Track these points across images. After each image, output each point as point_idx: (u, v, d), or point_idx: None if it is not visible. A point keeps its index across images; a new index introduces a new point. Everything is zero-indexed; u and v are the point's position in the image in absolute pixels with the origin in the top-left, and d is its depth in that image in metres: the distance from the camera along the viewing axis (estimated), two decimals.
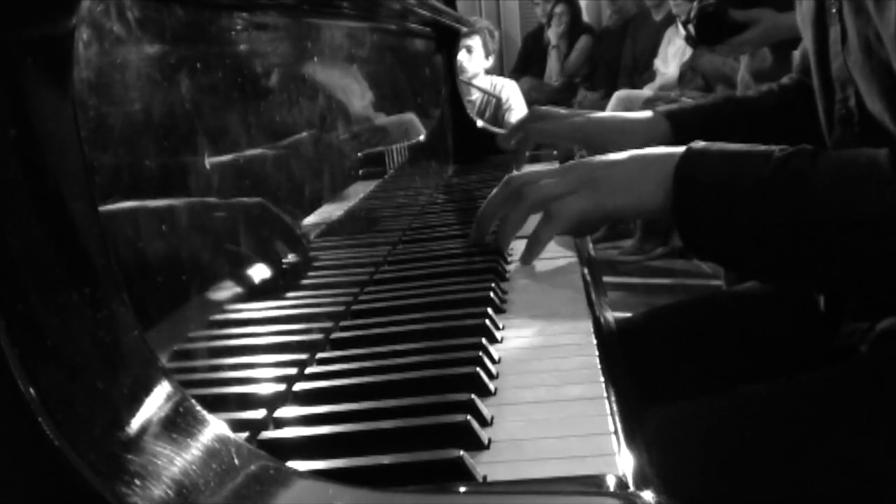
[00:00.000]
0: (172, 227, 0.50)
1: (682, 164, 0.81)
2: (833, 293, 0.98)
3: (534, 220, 0.91)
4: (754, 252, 0.79)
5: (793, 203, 0.76)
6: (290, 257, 0.69)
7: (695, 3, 2.01)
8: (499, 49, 5.45)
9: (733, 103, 1.24)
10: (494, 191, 0.93)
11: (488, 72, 4.84)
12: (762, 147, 0.81)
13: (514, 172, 0.94)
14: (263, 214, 0.65)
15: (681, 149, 0.83)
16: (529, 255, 0.91)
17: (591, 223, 0.92)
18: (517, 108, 4.71)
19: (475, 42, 4.60)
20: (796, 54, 1.22)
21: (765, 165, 0.78)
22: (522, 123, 1.26)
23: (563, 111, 1.25)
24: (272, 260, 0.66)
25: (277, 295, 0.66)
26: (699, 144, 0.83)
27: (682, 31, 1.83)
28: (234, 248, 0.59)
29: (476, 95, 4.63)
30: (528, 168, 1.09)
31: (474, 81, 4.60)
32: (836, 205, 0.75)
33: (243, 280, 0.60)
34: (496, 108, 4.68)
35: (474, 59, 4.62)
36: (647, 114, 1.21)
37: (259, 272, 0.63)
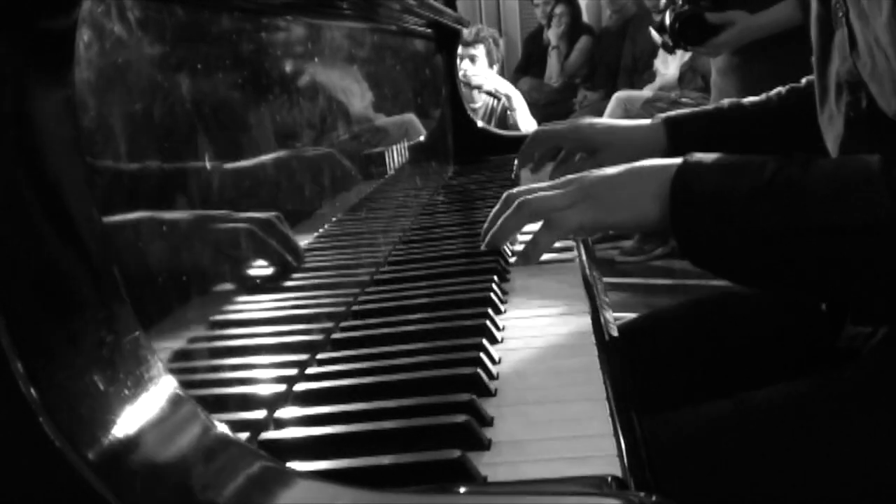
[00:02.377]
0: (173, 228, 0.50)
1: (678, 176, 0.82)
2: (831, 300, 0.98)
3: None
4: (752, 261, 0.80)
5: (788, 211, 0.76)
6: (288, 267, 0.69)
7: (668, 12, 2.14)
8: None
9: (735, 110, 1.25)
10: (495, 207, 0.95)
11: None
12: (757, 156, 0.81)
13: (513, 189, 0.95)
14: (269, 229, 0.65)
15: (676, 161, 0.84)
16: (525, 259, 0.93)
17: (589, 234, 0.98)
18: (520, 108, 4.70)
19: (479, 51, 4.58)
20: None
21: (760, 174, 0.78)
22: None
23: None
24: (273, 261, 0.66)
25: (278, 295, 0.66)
26: (694, 157, 0.84)
27: (658, 39, 1.94)
28: (235, 249, 0.59)
29: (479, 103, 4.62)
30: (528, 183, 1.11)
31: (476, 90, 4.58)
32: (830, 211, 0.75)
33: (244, 280, 0.60)
34: (502, 111, 4.66)
35: (478, 69, 4.60)
36: (648, 122, 1.25)
37: (259, 273, 0.63)
